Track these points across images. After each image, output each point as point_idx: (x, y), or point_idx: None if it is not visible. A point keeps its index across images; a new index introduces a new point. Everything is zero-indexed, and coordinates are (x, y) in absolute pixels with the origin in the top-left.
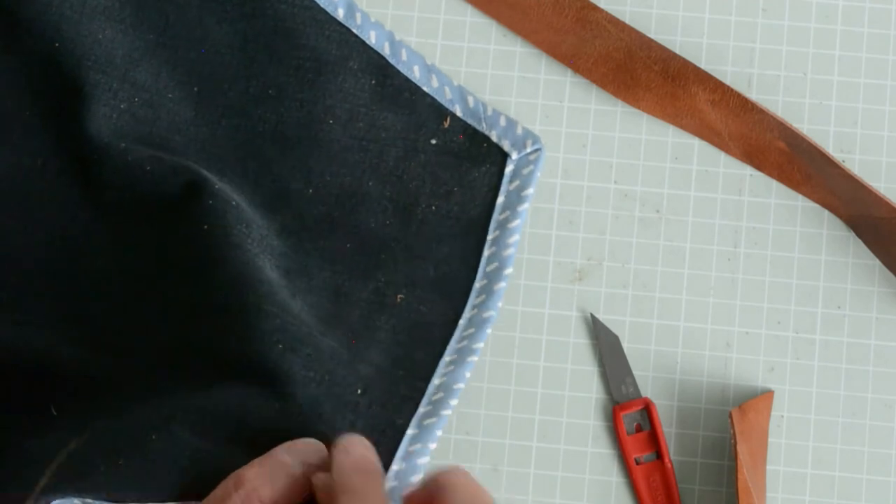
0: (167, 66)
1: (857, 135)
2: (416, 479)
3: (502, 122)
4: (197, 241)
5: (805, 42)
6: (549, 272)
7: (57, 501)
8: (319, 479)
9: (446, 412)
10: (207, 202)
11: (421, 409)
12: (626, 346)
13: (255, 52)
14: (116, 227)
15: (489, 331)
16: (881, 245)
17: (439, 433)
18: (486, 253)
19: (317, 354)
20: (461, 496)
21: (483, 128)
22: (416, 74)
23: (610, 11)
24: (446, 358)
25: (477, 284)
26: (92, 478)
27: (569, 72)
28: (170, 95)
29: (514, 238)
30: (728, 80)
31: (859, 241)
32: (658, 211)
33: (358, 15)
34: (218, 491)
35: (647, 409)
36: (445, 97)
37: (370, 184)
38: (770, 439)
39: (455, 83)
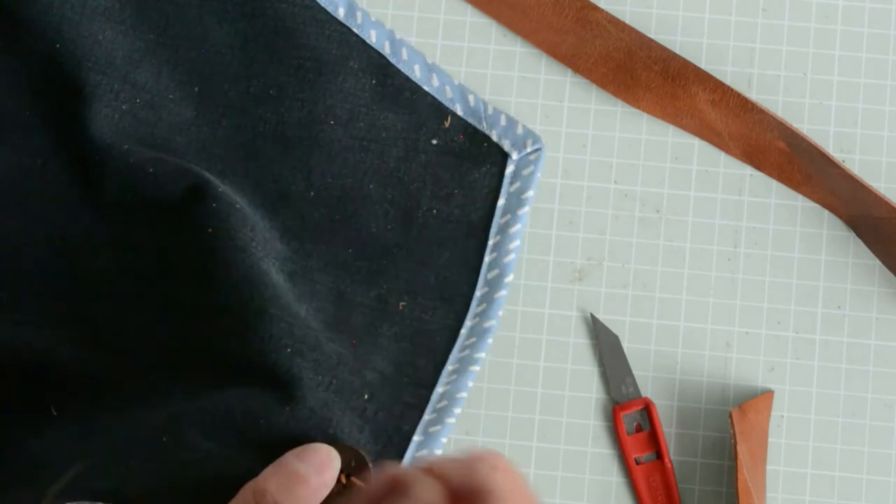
0: (167, 66)
1: (857, 135)
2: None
3: (503, 121)
4: (201, 244)
5: (805, 42)
6: (549, 272)
7: None
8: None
9: (451, 420)
10: (211, 205)
11: (426, 417)
12: (626, 346)
13: (255, 51)
14: (117, 227)
15: (490, 340)
16: (881, 245)
17: (444, 440)
18: (487, 259)
19: (324, 359)
20: None
21: (484, 127)
22: (416, 73)
23: (610, 11)
24: (449, 367)
25: (478, 292)
26: (104, 480)
27: (569, 72)
28: (170, 96)
29: (515, 244)
30: (728, 80)
31: (859, 241)
32: (658, 211)
33: (358, 14)
34: (238, 502)
35: (647, 409)
36: (446, 96)
37: (371, 186)
38: (770, 439)
39: (456, 82)
